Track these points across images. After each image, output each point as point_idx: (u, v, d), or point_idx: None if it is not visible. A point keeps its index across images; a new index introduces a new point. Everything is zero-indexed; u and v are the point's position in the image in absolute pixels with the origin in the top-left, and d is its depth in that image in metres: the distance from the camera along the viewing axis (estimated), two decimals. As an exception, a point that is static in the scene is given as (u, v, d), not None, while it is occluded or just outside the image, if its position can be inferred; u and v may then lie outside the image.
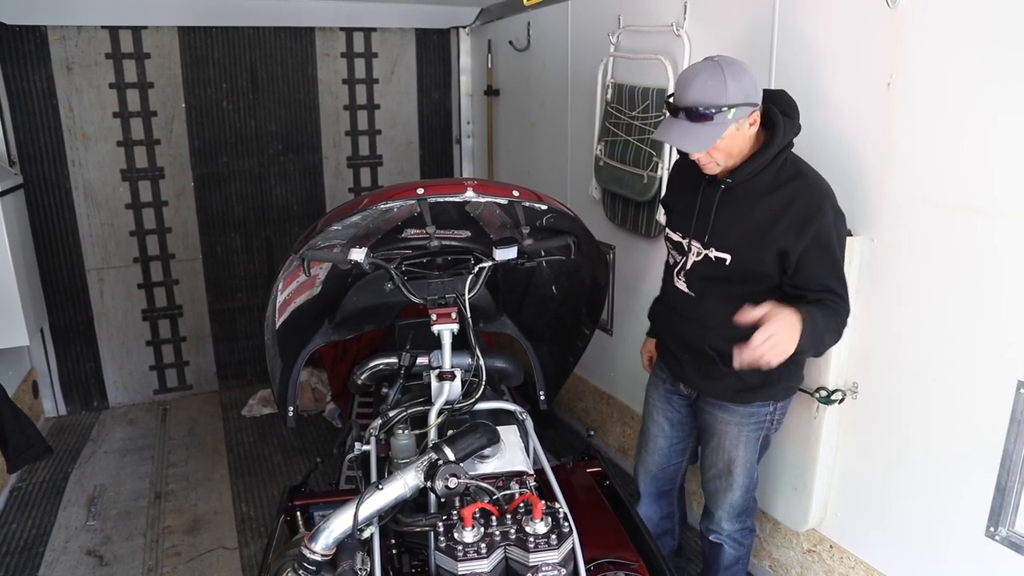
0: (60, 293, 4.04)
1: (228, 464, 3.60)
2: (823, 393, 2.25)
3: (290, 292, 2.46)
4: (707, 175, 2.05)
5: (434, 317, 2.14)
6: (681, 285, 2.19)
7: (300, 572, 1.79)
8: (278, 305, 2.45)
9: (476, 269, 2.14)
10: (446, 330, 2.16)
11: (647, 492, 2.58)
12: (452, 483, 1.80)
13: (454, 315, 2.14)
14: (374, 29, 4.41)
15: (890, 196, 2.07)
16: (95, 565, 2.85)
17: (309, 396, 4.14)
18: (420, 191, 1.88)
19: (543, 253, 2.19)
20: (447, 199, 1.89)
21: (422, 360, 2.29)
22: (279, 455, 3.66)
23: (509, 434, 2.14)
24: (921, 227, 2.01)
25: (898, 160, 2.04)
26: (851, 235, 2.15)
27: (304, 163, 4.44)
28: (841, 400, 2.26)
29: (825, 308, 1.91)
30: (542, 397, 2.86)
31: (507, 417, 2.23)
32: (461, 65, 4.68)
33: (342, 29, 4.34)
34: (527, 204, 1.97)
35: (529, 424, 2.23)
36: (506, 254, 2.12)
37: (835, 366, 2.24)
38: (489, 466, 2.06)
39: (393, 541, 2.06)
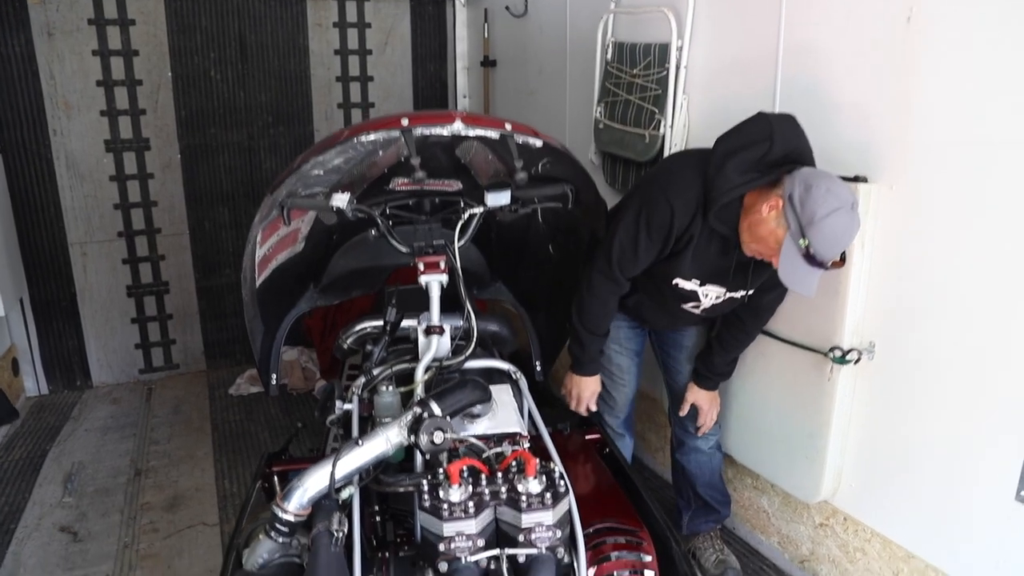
0: (41, 267, 3.90)
1: (213, 441, 3.46)
2: (837, 353, 2.11)
3: (271, 247, 2.32)
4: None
5: (421, 267, 2.00)
6: (693, 311, 2.23)
7: (272, 534, 1.65)
8: (257, 261, 2.31)
9: (467, 215, 2.00)
10: (434, 281, 2.02)
11: (627, 417, 2.59)
12: (438, 438, 1.67)
13: (443, 264, 2.00)
14: (367, -2, 4.28)
15: (911, 137, 1.93)
16: (68, 541, 2.71)
17: (299, 375, 4.00)
18: (404, 122, 1.74)
19: (537, 201, 2.06)
20: (433, 130, 1.75)
21: (410, 322, 2.15)
22: (265, 432, 3.52)
23: (502, 394, 2.01)
24: (944, 168, 1.87)
25: (919, 96, 1.90)
26: (866, 182, 2.02)
27: (295, 136, 4.30)
28: (857, 360, 2.12)
29: (740, 339, 2.28)
30: (538, 368, 2.72)
31: (500, 377, 2.09)
32: (457, 36, 4.54)
33: (334, -3, 4.21)
34: (521, 140, 1.83)
35: (523, 384, 2.09)
36: (498, 199, 1.98)
37: (850, 324, 2.10)
38: (480, 427, 1.92)
39: (377, 508, 1.92)
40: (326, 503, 1.71)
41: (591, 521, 1.77)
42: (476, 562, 1.55)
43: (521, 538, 1.57)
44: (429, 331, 1.99)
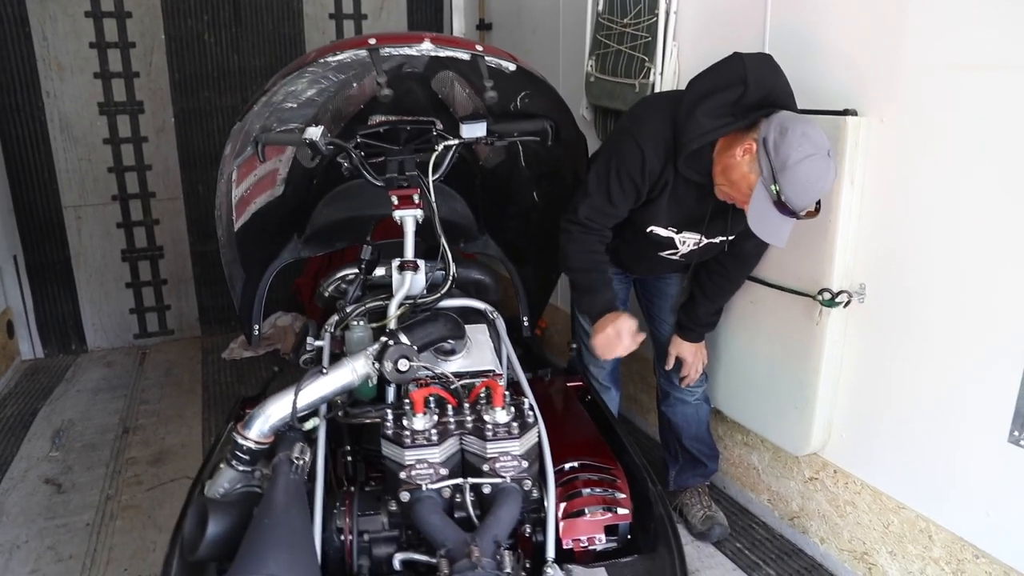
0: (36, 229, 3.89)
1: (203, 402, 3.44)
2: (826, 296, 2.04)
3: (248, 188, 2.28)
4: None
5: (395, 201, 1.95)
6: (671, 257, 2.15)
7: (233, 462, 1.62)
8: (235, 202, 2.28)
9: (440, 148, 1.94)
10: (409, 216, 1.97)
11: (612, 368, 2.46)
12: (403, 365, 1.62)
13: (416, 198, 1.95)
14: (363, -40, 4.22)
15: (903, 63, 1.85)
16: (52, 492, 2.71)
17: (292, 341, 3.97)
18: (372, 41, 1.69)
19: (517, 135, 2.00)
20: (402, 50, 1.70)
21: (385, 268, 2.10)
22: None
23: (478, 333, 1.96)
24: (939, 97, 1.79)
25: (912, 16, 1.82)
26: (856, 115, 1.94)
27: (290, 101, 4.26)
28: (846, 304, 2.05)
29: (724, 288, 2.22)
30: (525, 323, 2.67)
31: (477, 318, 2.05)
32: (454, 2, 4.47)
33: (329, -41, 4.16)
34: (495, 63, 1.78)
35: (500, 324, 2.04)
36: (473, 130, 1.93)
37: (840, 265, 2.03)
38: (455, 364, 1.88)
39: (348, 448, 1.88)
40: (290, 434, 1.68)
41: (565, 459, 1.72)
42: (439, 492, 1.51)
43: (486, 468, 1.53)
44: (403, 267, 1.94)
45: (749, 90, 1.76)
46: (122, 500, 2.65)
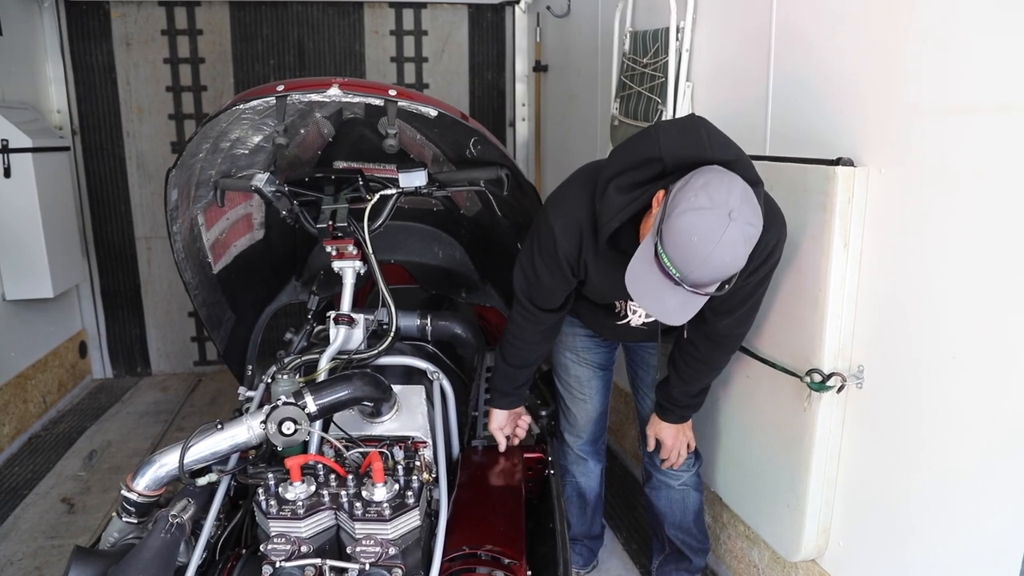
0: (111, 258, 4.21)
1: (228, 433, 3.52)
2: (816, 378, 1.73)
3: (223, 232, 2.30)
4: None
5: (333, 252, 1.88)
6: (626, 324, 1.93)
7: (121, 514, 1.59)
8: (209, 245, 2.30)
9: (376, 197, 1.85)
10: (348, 268, 1.90)
11: (591, 439, 2.21)
12: (287, 428, 1.53)
13: (352, 249, 1.87)
14: (424, 5, 4.28)
15: (905, 106, 1.55)
16: (63, 511, 2.83)
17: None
18: (280, 88, 1.64)
19: (465, 183, 1.88)
20: (309, 96, 1.64)
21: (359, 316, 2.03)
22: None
23: (412, 395, 1.83)
24: (949, 143, 1.47)
25: (913, 57, 1.53)
26: (851, 165, 1.65)
27: (349, 142, 4.37)
28: (839, 388, 1.73)
29: (698, 370, 1.90)
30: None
31: (420, 377, 1.92)
32: (516, 45, 4.43)
33: (391, 5, 4.25)
34: (413, 108, 1.67)
35: (444, 387, 1.90)
36: (411, 179, 1.83)
37: (832, 341, 1.72)
38: (382, 428, 1.77)
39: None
40: (190, 488, 1.64)
41: (466, 545, 1.54)
42: (302, 570, 1.39)
43: (351, 550, 1.39)
44: (338, 320, 1.86)
45: (668, 166, 1.50)
46: (118, 527, 2.72)
